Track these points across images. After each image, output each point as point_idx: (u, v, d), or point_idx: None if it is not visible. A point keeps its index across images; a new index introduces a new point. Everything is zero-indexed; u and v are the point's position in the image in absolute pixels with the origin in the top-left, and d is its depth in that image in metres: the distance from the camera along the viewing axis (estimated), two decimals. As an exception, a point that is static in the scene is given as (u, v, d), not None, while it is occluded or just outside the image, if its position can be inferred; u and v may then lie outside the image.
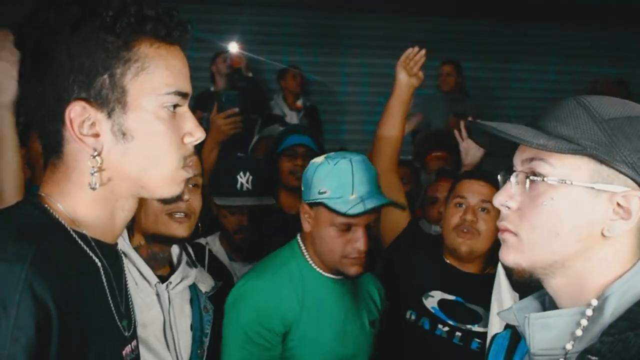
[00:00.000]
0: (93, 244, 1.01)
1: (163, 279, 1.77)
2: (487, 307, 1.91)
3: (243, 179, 2.43)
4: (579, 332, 0.99)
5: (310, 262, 1.88)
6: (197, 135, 1.05)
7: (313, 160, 1.89)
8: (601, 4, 5.65)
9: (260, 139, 3.81)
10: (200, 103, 4.67)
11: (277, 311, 1.81)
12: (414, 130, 5.52)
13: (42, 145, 1.03)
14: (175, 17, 1.01)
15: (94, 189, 0.98)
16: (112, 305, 1.04)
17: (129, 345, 1.10)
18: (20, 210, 1.01)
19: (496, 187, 2.04)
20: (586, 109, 1.00)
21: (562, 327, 1.01)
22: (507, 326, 1.26)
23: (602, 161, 0.96)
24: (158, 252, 1.78)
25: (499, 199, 1.07)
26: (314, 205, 1.83)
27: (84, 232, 1.00)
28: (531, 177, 1.01)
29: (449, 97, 5.71)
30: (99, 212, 1.03)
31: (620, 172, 0.96)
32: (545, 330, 1.02)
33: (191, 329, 1.84)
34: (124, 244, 1.78)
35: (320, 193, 1.82)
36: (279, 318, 1.81)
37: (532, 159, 1.02)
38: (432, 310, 2.04)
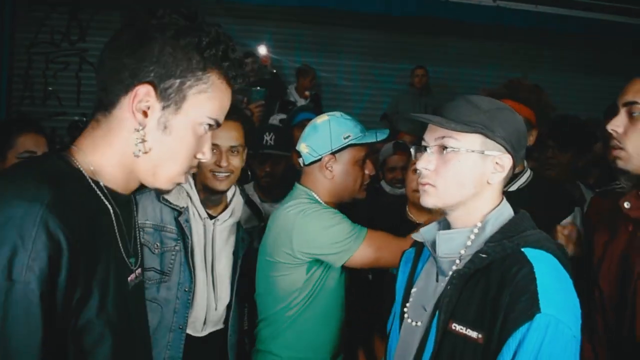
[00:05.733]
0: (106, 191, 1.06)
1: (213, 216, 1.94)
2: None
3: (268, 137, 2.85)
4: (468, 243, 1.25)
5: (317, 197, 1.97)
6: (207, 156, 1.11)
7: (315, 122, 1.95)
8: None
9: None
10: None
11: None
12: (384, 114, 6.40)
13: (99, 97, 1.06)
14: (244, 68, 1.09)
15: (137, 156, 1.04)
16: (119, 241, 1.09)
17: (134, 274, 1.15)
18: (46, 159, 1.05)
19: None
20: (473, 104, 1.24)
21: (458, 239, 1.26)
22: (412, 246, 1.47)
23: (487, 136, 1.22)
24: (209, 196, 1.95)
25: (422, 164, 1.25)
26: (338, 151, 1.91)
27: (99, 180, 1.05)
28: (447, 149, 1.21)
29: (418, 92, 6.63)
30: (118, 174, 1.08)
31: (498, 143, 1.23)
32: (447, 242, 1.27)
33: (233, 254, 2.02)
34: (190, 190, 1.93)
35: (345, 138, 1.90)
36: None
37: (443, 137, 1.23)
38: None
